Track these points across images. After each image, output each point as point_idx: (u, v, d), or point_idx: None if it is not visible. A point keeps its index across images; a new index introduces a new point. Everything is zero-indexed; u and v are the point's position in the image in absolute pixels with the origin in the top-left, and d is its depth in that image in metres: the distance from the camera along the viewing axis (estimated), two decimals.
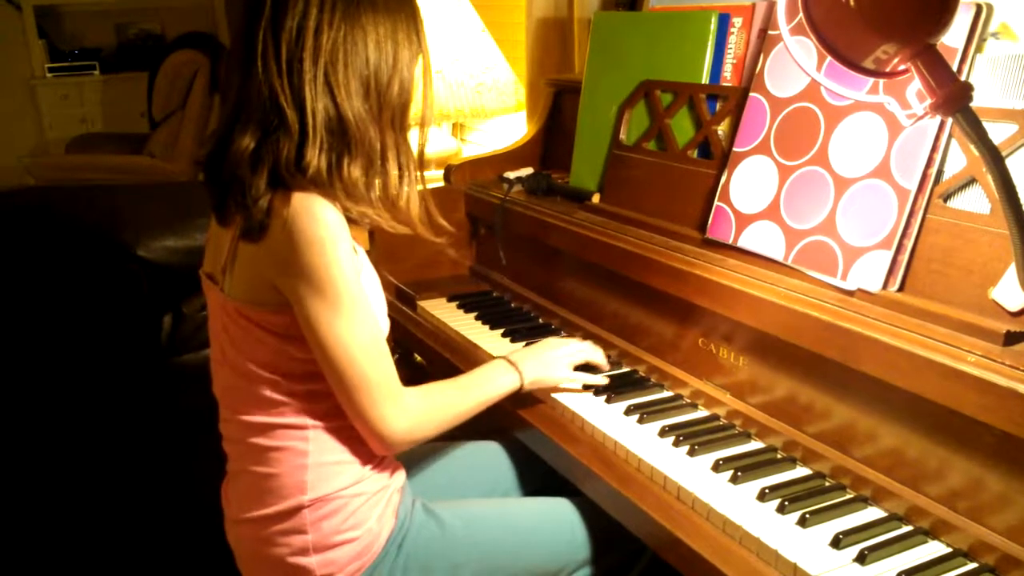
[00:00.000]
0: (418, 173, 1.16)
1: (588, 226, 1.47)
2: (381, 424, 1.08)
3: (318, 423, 1.12)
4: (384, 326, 1.17)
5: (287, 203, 1.02)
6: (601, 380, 1.33)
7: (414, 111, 1.14)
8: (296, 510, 1.11)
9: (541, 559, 1.23)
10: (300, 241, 1.01)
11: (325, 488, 1.11)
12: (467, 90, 2.13)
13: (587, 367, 1.35)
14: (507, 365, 1.26)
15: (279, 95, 1.02)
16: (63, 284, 2.20)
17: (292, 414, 1.11)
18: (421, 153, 1.18)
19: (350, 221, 1.08)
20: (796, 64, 1.11)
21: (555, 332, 1.56)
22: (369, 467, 1.15)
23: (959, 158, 1.04)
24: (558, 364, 1.30)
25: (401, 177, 1.12)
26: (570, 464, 1.21)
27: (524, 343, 1.49)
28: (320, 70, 1.03)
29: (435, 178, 1.94)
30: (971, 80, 1.02)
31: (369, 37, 1.06)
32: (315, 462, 1.11)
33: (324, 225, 1.02)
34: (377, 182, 1.10)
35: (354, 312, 1.05)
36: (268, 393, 1.11)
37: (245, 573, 1.21)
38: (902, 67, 0.89)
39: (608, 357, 1.44)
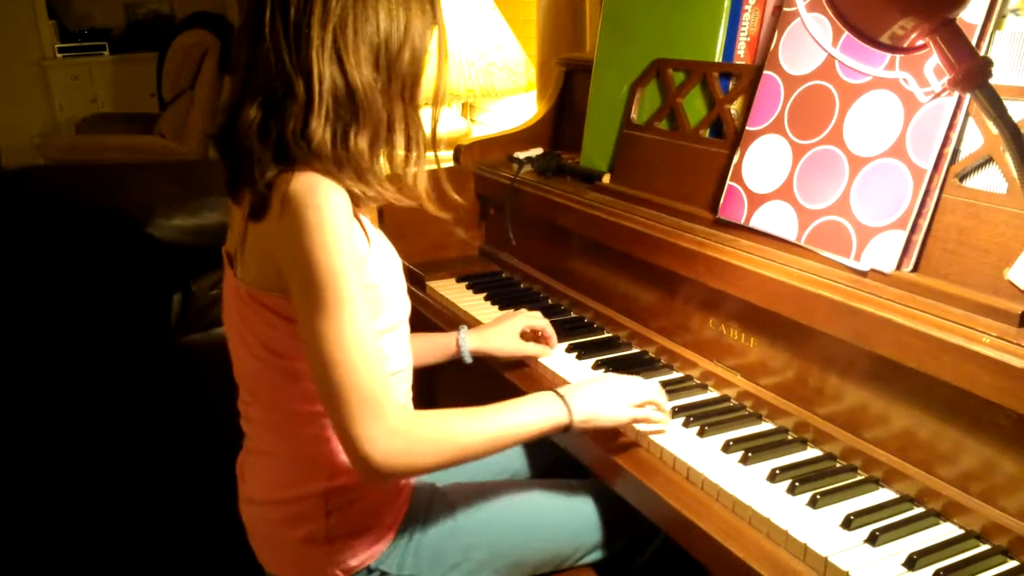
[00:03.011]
0: (427, 149, 1.12)
1: (598, 206, 1.46)
2: (359, 443, 0.94)
3: None
4: (404, 308, 1.15)
5: (288, 182, 0.97)
6: (669, 421, 1.17)
7: (429, 88, 1.10)
8: (313, 496, 1.10)
9: (553, 542, 1.23)
10: (294, 224, 0.96)
11: (343, 475, 1.09)
12: (477, 69, 2.12)
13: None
14: (551, 395, 1.11)
15: (285, 63, 0.98)
16: (73, 264, 2.21)
17: (311, 400, 1.07)
18: (434, 132, 1.15)
19: (359, 203, 1.05)
20: (813, 40, 1.09)
21: (564, 312, 1.56)
22: None
23: (975, 137, 1.02)
24: (617, 401, 1.13)
25: (409, 151, 1.07)
26: (580, 446, 1.20)
27: None
28: (328, 36, 0.98)
29: (444, 158, 1.93)
30: (990, 57, 1.01)
31: (380, 3, 1.01)
32: (334, 449, 1.09)
33: (321, 211, 0.95)
34: (383, 155, 1.06)
35: (343, 311, 0.95)
36: (286, 379, 1.08)
37: (258, 550, 1.21)
38: (920, 43, 0.88)
39: (617, 338, 1.44)
